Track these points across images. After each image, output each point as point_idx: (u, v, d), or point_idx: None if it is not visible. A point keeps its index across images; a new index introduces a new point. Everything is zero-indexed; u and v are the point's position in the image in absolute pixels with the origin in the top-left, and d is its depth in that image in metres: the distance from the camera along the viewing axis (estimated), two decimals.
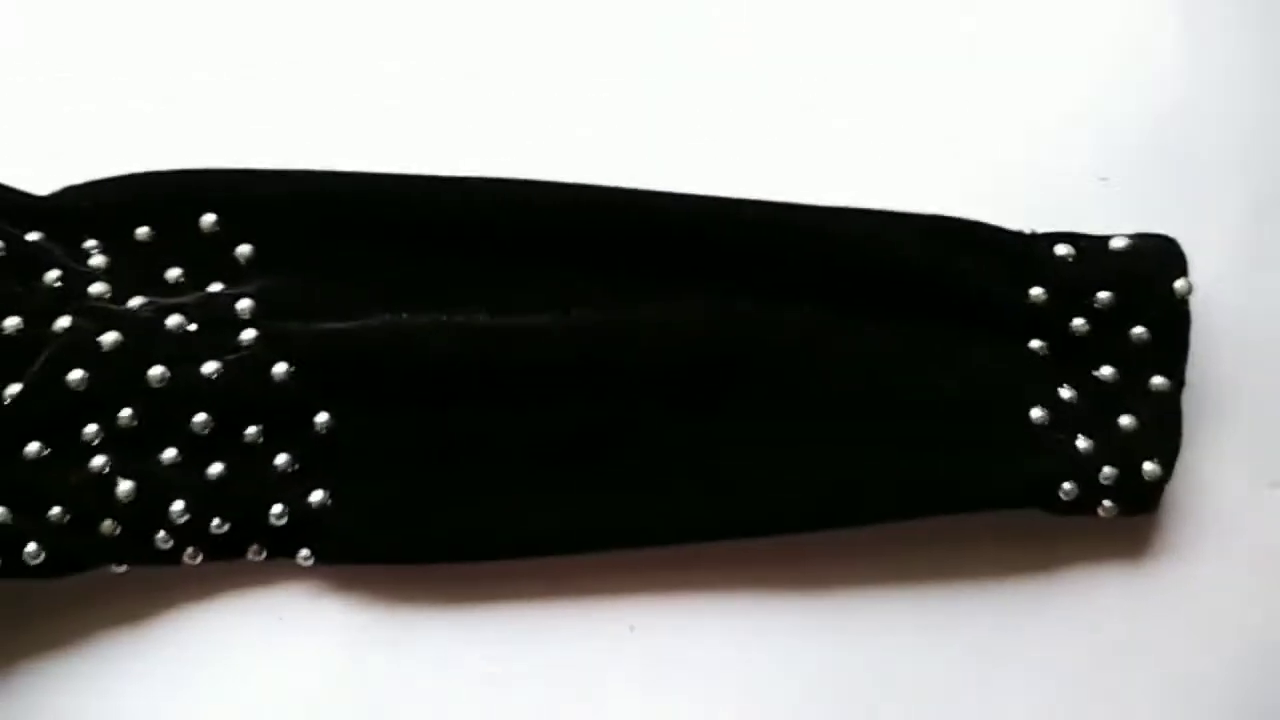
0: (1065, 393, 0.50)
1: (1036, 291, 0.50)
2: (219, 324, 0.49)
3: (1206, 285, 0.50)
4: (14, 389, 0.47)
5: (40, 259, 0.49)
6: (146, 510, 0.48)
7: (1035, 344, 0.50)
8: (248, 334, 0.49)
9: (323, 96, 0.56)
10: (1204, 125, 0.55)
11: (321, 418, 0.49)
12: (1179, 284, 0.49)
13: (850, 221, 0.51)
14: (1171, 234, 0.51)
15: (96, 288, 0.49)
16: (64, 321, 0.48)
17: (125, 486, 0.47)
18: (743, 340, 0.50)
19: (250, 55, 0.56)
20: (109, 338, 0.48)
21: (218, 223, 0.50)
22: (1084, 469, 0.48)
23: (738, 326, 0.50)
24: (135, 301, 0.49)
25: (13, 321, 0.48)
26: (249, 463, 0.49)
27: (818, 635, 0.50)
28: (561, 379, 0.49)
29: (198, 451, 0.48)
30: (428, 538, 0.49)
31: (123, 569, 0.48)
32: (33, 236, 0.50)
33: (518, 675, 0.49)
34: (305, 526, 0.49)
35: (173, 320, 0.48)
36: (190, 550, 0.48)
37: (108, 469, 0.47)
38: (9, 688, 0.48)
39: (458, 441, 0.49)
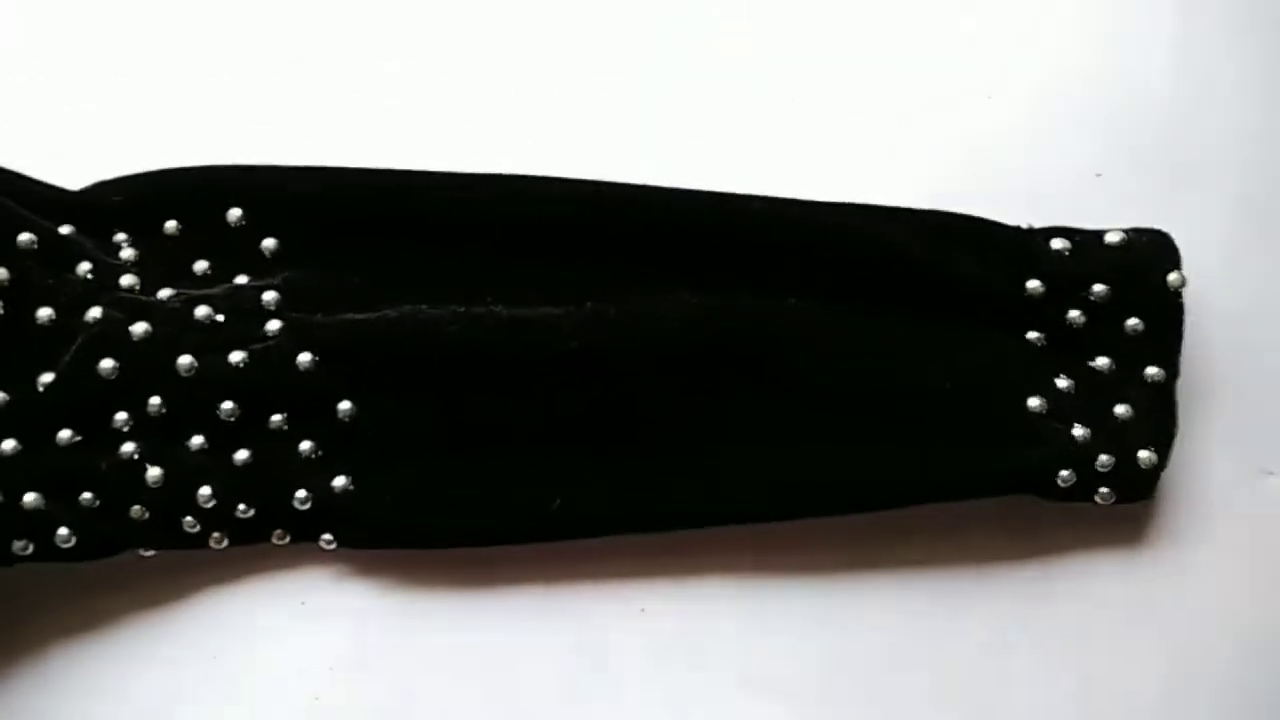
0: (1062, 382, 0.50)
1: (1033, 284, 0.50)
2: (245, 315, 0.50)
3: (1199, 278, 0.51)
4: (47, 378, 0.48)
5: (72, 251, 0.50)
6: (174, 495, 0.48)
7: (1032, 335, 0.51)
8: (273, 325, 0.50)
9: (323, 96, 0.56)
10: (1197, 122, 0.55)
11: (344, 406, 0.49)
12: (1172, 277, 0.50)
13: (851, 216, 0.51)
14: (1165, 228, 0.51)
15: (126, 279, 0.50)
16: (95, 312, 0.49)
17: (154, 472, 0.48)
18: (745, 331, 0.50)
19: (250, 55, 0.57)
20: (139, 328, 0.49)
21: (244, 217, 0.51)
22: (1080, 457, 0.49)
23: (740, 318, 0.50)
24: (164, 293, 0.50)
25: (45, 312, 0.49)
26: (274, 449, 0.49)
27: (822, 619, 0.50)
28: (575, 368, 0.50)
29: (224, 438, 0.49)
30: (447, 523, 0.49)
31: (150, 553, 0.49)
32: (64, 230, 0.51)
33: (533, 656, 0.49)
34: (328, 511, 0.49)
35: (201, 311, 0.49)
36: (216, 535, 0.49)
37: (137, 455, 0.48)
38: (39, 669, 0.49)
39: (476, 429, 0.50)
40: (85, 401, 0.48)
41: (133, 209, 0.51)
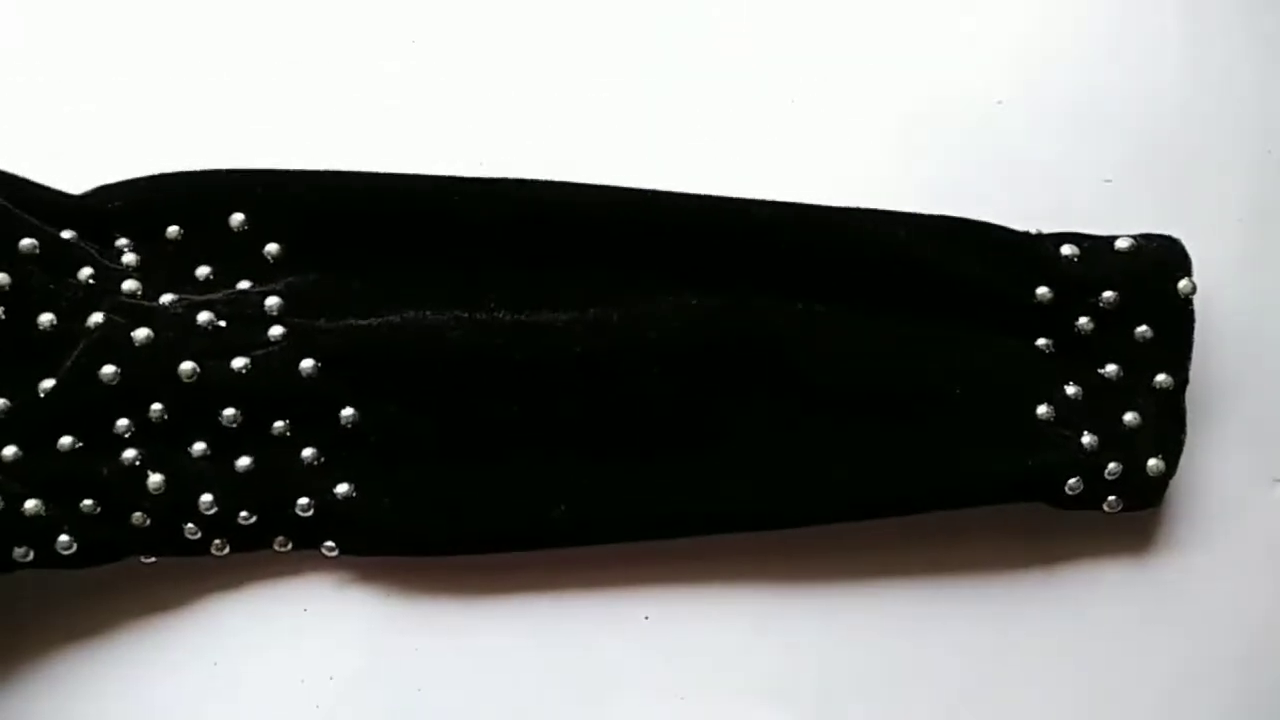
0: (1070, 389, 0.50)
1: (1042, 290, 0.50)
2: (248, 320, 0.49)
3: (1209, 284, 0.50)
4: (48, 383, 0.48)
5: (73, 256, 0.50)
6: (176, 502, 0.48)
7: (1041, 342, 0.51)
8: (276, 330, 0.49)
9: (323, 97, 0.56)
10: (1207, 127, 0.55)
11: (347, 412, 0.49)
12: (1182, 284, 0.50)
13: (859, 221, 0.51)
14: (1175, 234, 0.51)
15: (128, 285, 0.50)
16: (97, 317, 0.49)
17: (155, 479, 0.48)
18: (751, 337, 0.50)
19: (251, 57, 0.56)
20: (141, 333, 0.48)
21: (246, 222, 0.51)
22: (1089, 464, 0.49)
23: (745, 323, 0.50)
24: (166, 298, 0.50)
25: (47, 317, 0.49)
26: (276, 456, 0.49)
27: (827, 627, 0.50)
28: (579, 373, 0.49)
29: (226, 445, 0.49)
30: (450, 529, 0.49)
31: (152, 560, 0.49)
32: (66, 234, 0.51)
33: (536, 663, 0.49)
34: (331, 518, 0.49)
35: (203, 317, 0.49)
36: (218, 541, 0.49)
37: (138, 462, 0.48)
38: (40, 675, 0.49)
39: (479, 435, 0.49)
40: (86, 407, 0.48)
41: (135, 213, 0.51)
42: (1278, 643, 0.50)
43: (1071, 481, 0.49)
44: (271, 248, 0.51)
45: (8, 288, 0.49)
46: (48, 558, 0.48)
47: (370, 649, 0.50)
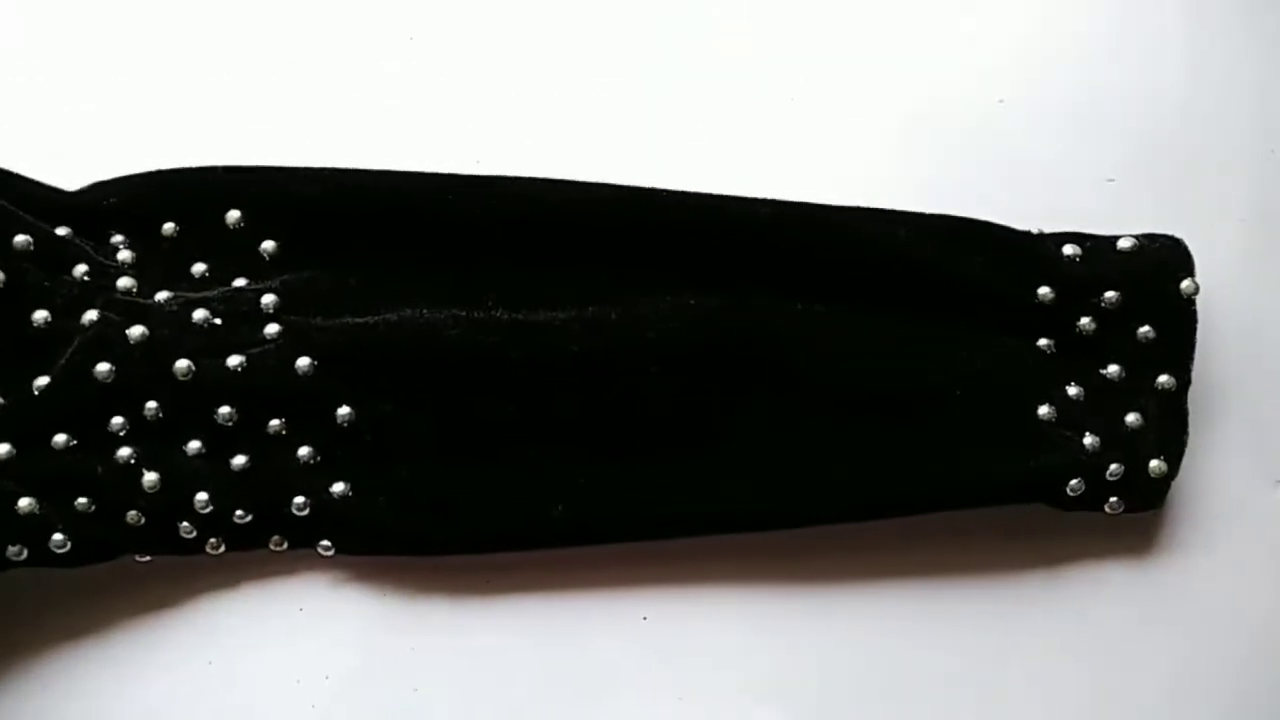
0: (1072, 390, 0.50)
1: (1044, 290, 0.50)
2: (243, 318, 0.49)
3: (1211, 285, 0.50)
4: (42, 381, 0.48)
5: (68, 253, 0.50)
6: (171, 500, 0.48)
7: (1043, 342, 0.51)
8: (271, 328, 0.49)
9: (323, 96, 0.56)
10: (1208, 126, 0.55)
11: (343, 410, 0.49)
12: (1185, 284, 0.50)
13: (861, 220, 0.51)
14: (1178, 234, 0.51)
15: (123, 282, 0.50)
16: (91, 315, 0.48)
17: (150, 477, 0.48)
18: (750, 336, 0.50)
19: (249, 56, 0.56)
20: (135, 331, 0.48)
21: (242, 219, 0.51)
22: (1090, 465, 0.49)
23: (745, 322, 0.50)
24: (161, 296, 0.50)
25: (41, 314, 0.49)
26: (272, 454, 0.49)
27: (827, 628, 0.50)
28: (577, 372, 0.49)
29: (222, 443, 0.49)
30: (447, 529, 0.49)
31: (146, 558, 0.49)
32: (61, 231, 0.50)
33: (533, 663, 0.49)
34: (326, 517, 0.49)
35: (198, 314, 0.49)
36: (213, 540, 0.49)
37: (133, 460, 0.48)
38: (34, 675, 0.49)
39: (476, 434, 0.49)
40: (81, 405, 0.48)
41: (130, 210, 0.51)
42: (1278, 643, 0.50)
43: (1073, 482, 0.49)
44: (267, 245, 0.51)
45: (2, 285, 0.48)
46: (42, 556, 0.47)
47: (366, 648, 0.49)
